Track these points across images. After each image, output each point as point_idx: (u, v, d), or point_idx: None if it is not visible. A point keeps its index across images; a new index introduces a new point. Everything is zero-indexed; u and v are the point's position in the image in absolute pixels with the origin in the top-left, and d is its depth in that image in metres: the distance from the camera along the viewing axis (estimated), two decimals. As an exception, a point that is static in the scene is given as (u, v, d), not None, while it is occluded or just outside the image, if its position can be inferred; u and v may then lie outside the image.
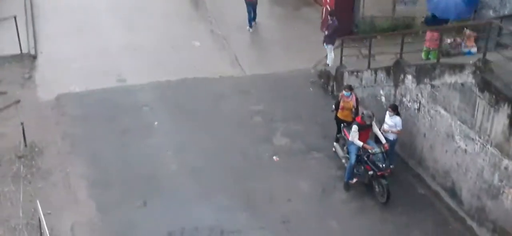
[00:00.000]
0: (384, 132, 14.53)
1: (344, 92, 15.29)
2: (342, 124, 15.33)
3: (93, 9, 23.65)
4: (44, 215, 12.21)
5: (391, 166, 14.31)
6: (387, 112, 14.64)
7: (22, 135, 15.53)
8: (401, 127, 14.57)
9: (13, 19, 19.70)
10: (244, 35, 22.37)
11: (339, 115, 15.47)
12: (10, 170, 14.88)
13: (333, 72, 18.61)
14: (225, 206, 14.08)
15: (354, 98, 15.36)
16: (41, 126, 16.55)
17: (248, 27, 22.53)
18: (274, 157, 15.73)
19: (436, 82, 13.89)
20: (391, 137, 14.61)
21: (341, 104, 15.30)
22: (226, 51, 21.10)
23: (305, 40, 21.46)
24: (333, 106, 15.87)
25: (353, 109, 15.27)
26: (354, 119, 14.91)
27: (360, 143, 14.04)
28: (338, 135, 15.58)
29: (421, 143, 14.85)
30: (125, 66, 19.76)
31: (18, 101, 15.98)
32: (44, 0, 24.08)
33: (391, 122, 14.55)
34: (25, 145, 15.61)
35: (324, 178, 15.08)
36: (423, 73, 14.38)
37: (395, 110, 14.55)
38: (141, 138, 16.33)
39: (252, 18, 22.49)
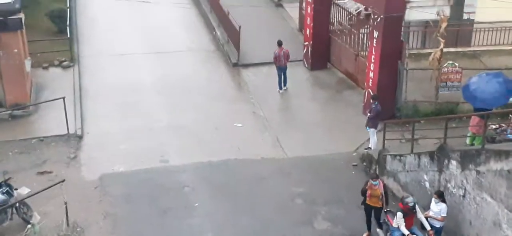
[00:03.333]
0: (429, 219, 14.18)
1: (371, 181, 15.05)
2: (371, 210, 15.13)
3: (139, 90, 24.23)
4: None
5: (436, 254, 13.93)
6: (433, 199, 14.34)
7: (65, 214, 15.72)
8: (445, 214, 14.21)
9: (62, 100, 20.36)
10: (286, 117, 22.53)
11: (368, 202, 15.22)
12: (52, 249, 15.04)
13: (375, 155, 18.44)
14: None
15: (381, 185, 15.12)
16: (84, 205, 16.77)
17: (278, 90, 24.00)
18: (315, 242, 15.50)
19: (482, 169, 13.60)
20: (437, 224, 14.26)
21: (369, 192, 15.04)
22: (268, 132, 21.21)
23: (347, 123, 21.45)
24: (361, 193, 15.57)
25: (381, 197, 15.02)
26: (382, 206, 14.81)
27: (406, 231, 13.72)
28: (367, 221, 15.33)
29: (467, 231, 14.42)
30: (168, 147, 20.02)
31: (62, 181, 16.23)
32: (91, 81, 24.83)
33: (437, 208, 14.23)
34: (68, 225, 15.77)
35: (367, 264, 14.74)
36: (468, 159, 14.13)
37: (441, 196, 14.25)
38: (181, 219, 16.35)
39: (283, 81, 24.03)
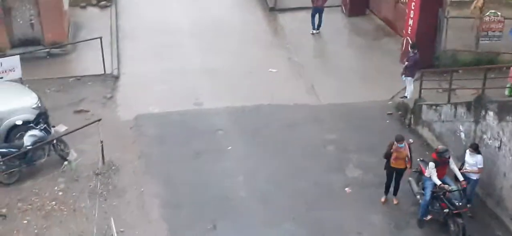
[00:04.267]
0: (466, 173, 14.01)
1: (396, 143, 14.56)
2: (394, 173, 14.80)
3: (175, 32, 24.28)
4: (117, 232, 12.53)
5: (468, 205, 13.81)
6: (467, 151, 14.12)
7: (100, 152, 16.03)
8: (482, 165, 14.01)
9: (99, 40, 20.53)
10: (321, 64, 22.33)
11: (392, 164, 14.75)
12: (87, 186, 15.38)
13: (411, 105, 18.22)
14: (294, 234, 13.98)
15: (407, 147, 14.79)
16: (119, 145, 17.03)
17: (312, 30, 24.11)
18: (346, 189, 15.49)
19: (519, 121, 13.33)
20: (474, 176, 14.10)
21: (394, 154, 14.59)
22: (302, 79, 21.08)
23: (383, 71, 21.13)
24: (384, 157, 14.99)
25: (407, 159, 14.71)
26: (406, 167, 14.57)
27: (438, 181, 13.59)
28: (388, 184, 15.00)
29: (500, 182, 14.23)
30: (203, 90, 20.10)
31: (99, 120, 16.51)
32: (128, 22, 24.97)
33: (472, 160, 14.02)
34: (103, 163, 16.09)
35: (397, 213, 14.71)
36: (505, 110, 13.84)
37: (477, 149, 14.01)
38: (214, 162, 16.51)
39: (317, 24, 24.05)
